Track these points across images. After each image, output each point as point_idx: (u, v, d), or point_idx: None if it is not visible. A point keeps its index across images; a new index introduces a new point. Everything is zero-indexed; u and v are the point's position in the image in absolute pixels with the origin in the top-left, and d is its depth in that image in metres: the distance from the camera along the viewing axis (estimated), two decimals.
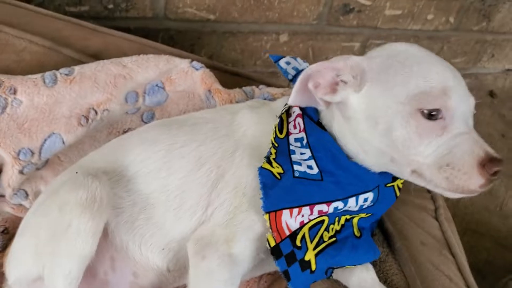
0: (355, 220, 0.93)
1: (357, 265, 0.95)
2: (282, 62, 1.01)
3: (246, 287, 1.05)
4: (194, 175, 0.96)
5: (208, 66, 1.28)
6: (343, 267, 0.93)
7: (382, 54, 0.89)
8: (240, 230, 0.88)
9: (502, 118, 2.34)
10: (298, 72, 0.99)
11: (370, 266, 0.96)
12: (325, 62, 0.88)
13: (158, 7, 1.85)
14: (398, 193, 0.97)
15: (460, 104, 0.83)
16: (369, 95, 0.86)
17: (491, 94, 2.48)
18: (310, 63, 2.19)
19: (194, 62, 1.25)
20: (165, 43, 1.91)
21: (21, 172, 1.09)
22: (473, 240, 1.77)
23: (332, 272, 0.91)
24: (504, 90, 2.50)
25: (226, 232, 0.89)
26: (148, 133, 1.04)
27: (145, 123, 1.22)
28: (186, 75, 1.24)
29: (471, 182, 0.80)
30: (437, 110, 0.81)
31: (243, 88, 1.24)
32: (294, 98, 0.90)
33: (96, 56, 1.27)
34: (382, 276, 0.99)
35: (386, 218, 1.08)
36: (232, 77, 1.34)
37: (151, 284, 1.00)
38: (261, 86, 1.25)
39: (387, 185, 0.94)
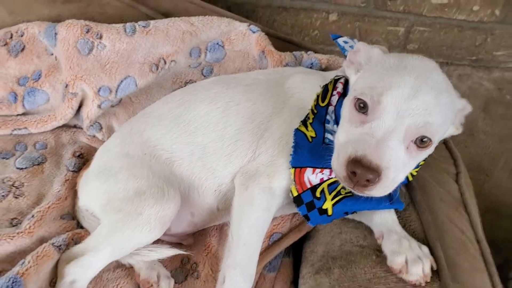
0: None
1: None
2: (340, 41, 1.11)
3: (281, 221, 1.20)
4: (247, 128, 1.11)
5: (263, 31, 1.43)
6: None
7: (392, 56, 0.96)
8: (280, 170, 1.03)
9: None
10: None
11: (392, 210, 1.09)
12: (365, 44, 1.00)
13: None
14: (410, 178, 1.09)
15: (389, 114, 0.86)
16: (356, 79, 0.98)
17: None
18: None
19: (252, 26, 1.41)
20: None
21: (99, 106, 1.29)
22: (494, 219, 1.86)
23: (352, 212, 1.04)
24: None
25: (268, 170, 1.05)
26: (209, 91, 1.18)
27: (205, 76, 1.39)
28: (243, 36, 1.39)
29: (339, 171, 0.88)
30: (365, 104, 0.89)
31: (294, 52, 1.38)
32: (344, 68, 1.03)
33: (166, 14, 1.45)
34: (402, 221, 1.11)
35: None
36: (285, 43, 1.48)
37: (203, 221, 1.18)
38: (309, 52, 1.39)
39: None
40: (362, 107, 0.90)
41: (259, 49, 1.37)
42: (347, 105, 0.94)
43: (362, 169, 0.84)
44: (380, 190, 0.87)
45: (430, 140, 0.89)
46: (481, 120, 2.28)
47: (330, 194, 1.00)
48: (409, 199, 1.17)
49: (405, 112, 0.86)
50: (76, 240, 1.08)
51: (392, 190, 0.90)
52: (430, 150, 0.93)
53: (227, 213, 1.11)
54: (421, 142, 0.89)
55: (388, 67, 0.91)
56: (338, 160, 0.89)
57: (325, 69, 1.35)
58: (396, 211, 1.13)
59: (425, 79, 0.88)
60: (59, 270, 1.00)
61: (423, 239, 1.09)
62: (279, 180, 1.03)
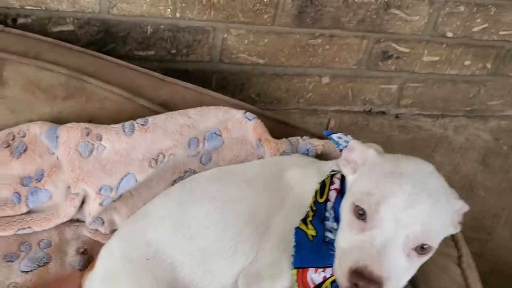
0: None
1: None
2: (334, 137, 1.12)
3: None
4: (247, 229, 1.11)
5: (259, 114, 1.46)
6: None
7: (389, 159, 0.97)
8: (282, 272, 1.03)
9: None
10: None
11: None
12: (360, 144, 1.02)
13: (215, 53, 2.06)
14: None
15: (388, 223, 0.86)
16: (353, 181, 1.00)
17: None
18: (349, 103, 2.36)
19: (248, 113, 1.44)
20: (218, 82, 2.14)
21: (100, 204, 1.30)
22: (499, 281, 1.86)
23: None
24: None
25: (271, 272, 1.05)
26: (207, 189, 1.20)
27: (203, 164, 1.41)
28: (240, 124, 1.42)
29: (342, 281, 0.88)
30: (364, 211, 0.89)
31: (290, 138, 1.41)
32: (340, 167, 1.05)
33: (163, 104, 1.49)
34: None
35: None
36: (281, 125, 1.52)
37: None
38: (304, 137, 1.42)
39: None
40: (361, 214, 0.90)
41: (256, 137, 1.39)
42: (346, 209, 0.95)
43: (364, 281, 0.84)
44: None
45: (430, 246, 0.90)
46: (480, 174, 2.30)
47: None
48: None
49: (403, 221, 0.86)
50: None
51: None
52: (431, 254, 0.93)
53: None
54: (422, 249, 0.89)
55: (385, 173, 0.93)
56: (341, 270, 0.89)
57: (321, 154, 1.37)
58: None
59: (422, 186, 0.89)
60: None
61: None
62: (282, 282, 1.03)
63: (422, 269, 1.20)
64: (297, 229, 1.03)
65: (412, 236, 0.87)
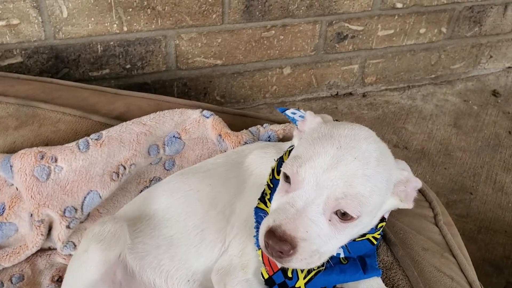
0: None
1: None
2: (288, 112, 1.12)
3: None
4: (210, 214, 1.10)
5: (217, 111, 1.45)
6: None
7: (328, 125, 0.96)
8: (252, 258, 1.01)
9: (507, 115, 2.42)
10: None
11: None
12: (311, 114, 1.00)
13: (170, 61, 2.05)
14: (374, 242, 1.02)
15: (309, 185, 0.85)
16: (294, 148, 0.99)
17: (495, 93, 2.57)
18: (315, 90, 2.35)
19: (205, 111, 1.42)
20: (180, 90, 2.11)
21: (68, 227, 1.27)
22: (488, 237, 1.85)
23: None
24: (506, 88, 2.58)
25: (241, 260, 1.02)
26: (169, 184, 1.19)
27: (167, 170, 1.39)
28: (198, 124, 1.40)
29: (260, 240, 0.87)
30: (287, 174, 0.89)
31: (250, 129, 1.39)
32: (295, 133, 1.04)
33: (120, 117, 1.46)
34: (389, 283, 1.10)
35: (388, 229, 1.20)
36: (241, 118, 1.50)
37: None
38: (265, 125, 1.40)
39: (356, 239, 0.99)
40: (287, 176, 0.89)
41: (216, 133, 1.37)
42: (280, 175, 0.94)
43: (274, 240, 0.82)
44: (299, 262, 0.85)
45: (351, 216, 0.86)
46: (454, 136, 2.30)
47: (302, 272, 0.97)
48: (392, 256, 1.16)
49: (324, 183, 0.84)
50: None
51: (320, 262, 0.87)
52: (359, 223, 0.89)
53: None
54: (343, 215, 0.86)
55: (316, 137, 0.91)
56: (261, 229, 0.87)
57: (283, 139, 1.36)
58: (382, 272, 1.11)
59: (349, 149, 0.86)
60: None
61: None
62: (253, 268, 1.00)
63: (399, 235, 1.20)
64: (257, 208, 1.02)
65: (332, 199, 0.84)
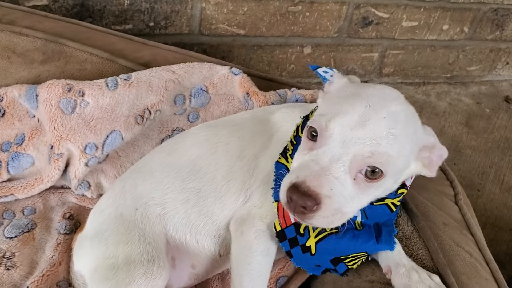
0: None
1: (359, 253, 1.01)
2: (320, 71, 1.08)
3: (285, 264, 1.17)
4: (237, 166, 1.09)
5: (245, 72, 1.43)
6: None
7: (355, 84, 0.95)
8: (271, 210, 1.00)
9: None
10: None
11: (397, 241, 1.07)
12: (339, 75, 1.00)
13: (194, 24, 2.03)
14: (393, 209, 1.01)
15: (335, 142, 0.84)
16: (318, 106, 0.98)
17: (507, 99, 2.58)
18: None
19: (234, 68, 1.41)
20: None
21: (86, 164, 1.25)
22: (493, 234, 1.87)
23: (348, 271, 1.01)
24: None
25: (261, 211, 1.02)
26: (198, 135, 1.17)
27: (191, 122, 1.37)
28: (226, 79, 1.39)
29: (282, 195, 0.86)
30: (314, 130, 0.87)
31: (277, 90, 1.38)
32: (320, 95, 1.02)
33: (146, 65, 1.44)
34: (408, 251, 1.10)
35: (410, 201, 1.20)
36: (267, 82, 1.48)
37: (205, 271, 1.13)
38: (293, 89, 1.39)
39: (375, 204, 0.97)
40: (313, 135, 0.88)
41: (243, 91, 1.36)
42: (303, 132, 0.92)
43: (298, 195, 0.81)
44: (321, 220, 0.83)
45: (381, 171, 0.84)
46: (465, 135, 2.31)
47: (314, 231, 0.97)
48: (412, 226, 1.16)
49: (351, 140, 0.83)
50: None
51: (340, 223, 0.85)
52: (383, 184, 0.88)
53: (230, 258, 1.07)
54: (372, 173, 0.84)
55: (344, 96, 0.90)
56: (283, 185, 0.86)
57: (310, 103, 1.35)
58: (401, 240, 1.11)
59: (377, 109, 0.85)
60: None
61: (432, 267, 1.07)
62: (272, 220, 1.00)
63: (420, 207, 1.20)
64: (277, 163, 1.01)
65: (359, 157, 0.83)
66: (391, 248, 1.03)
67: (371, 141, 0.83)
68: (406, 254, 1.08)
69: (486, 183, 2.06)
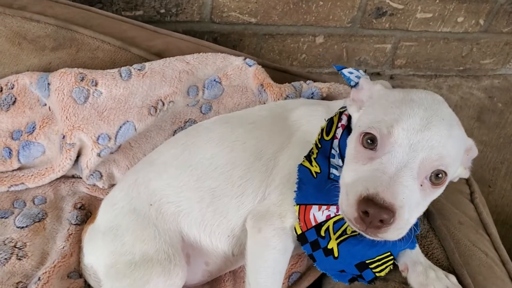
0: None
1: (381, 255, 0.99)
2: (345, 71, 1.04)
3: (298, 260, 1.16)
4: (255, 166, 1.07)
5: (258, 63, 1.41)
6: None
7: (397, 90, 0.93)
8: (291, 209, 0.98)
9: None
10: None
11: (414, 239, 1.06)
12: (368, 81, 0.96)
13: (205, 11, 1.99)
14: None
15: (401, 147, 0.81)
16: (358, 117, 0.95)
17: None
18: (344, 64, 2.30)
19: (248, 59, 1.38)
20: None
21: (98, 154, 1.24)
22: (503, 231, 1.85)
23: (376, 279, 0.99)
24: None
25: (280, 210, 1.00)
26: (213, 132, 1.14)
27: (203, 114, 1.35)
28: (240, 71, 1.36)
29: (349, 212, 0.82)
30: (373, 138, 0.84)
31: (293, 83, 1.35)
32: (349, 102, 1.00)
33: (159, 54, 1.41)
34: (424, 250, 1.08)
35: None
36: (281, 73, 1.46)
37: (218, 269, 1.13)
38: (308, 81, 1.36)
39: None
40: (370, 143, 0.85)
41: (258, 83, 1.34)
42: (352, 142, 0.90)
43: (375, 208, 0.77)
44: (395, 232, 0.81)
45: (445, 174, 0.84)
46: (477, 129, 2.29)
47: (335, 233, 0.95)
48: (428, 225, 1.15)
49: (418, 144, 0.81)
50: None
51: (406, 232, 0.83)
52: (443, 188, 0.87)
53: (243, 257, 1.06)
54: (436, 178, 0.83)
55: (394, 100, 0.88)
56: (348, 201, 0.82)
57: (326, 97, 1.32)
58: (417, 239, 1.10)
59: (435, 111, 0.84)
60: None
61: (448, 267, 1.06)
62: (291, 219, 0.99)
63: (436, 205, 1.18)
64: (301, 166, 0.99)
65: (427, 161, 0.81)
66: (413, 247, 1.02)
67: (437, 143, 0.81)
68: (422, 252, 1.06)
69: (497, 179, 2.04)
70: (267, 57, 2.24)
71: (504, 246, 1.78)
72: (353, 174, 0.86)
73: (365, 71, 2.43)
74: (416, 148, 0.81)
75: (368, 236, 0.84)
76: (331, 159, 0.98)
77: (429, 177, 0.83)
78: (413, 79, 2.49)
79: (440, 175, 0.83)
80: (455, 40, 2.45)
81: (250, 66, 1.37)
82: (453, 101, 2.41)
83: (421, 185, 0.83)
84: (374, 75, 2.44)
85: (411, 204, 0.81)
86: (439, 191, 0.87)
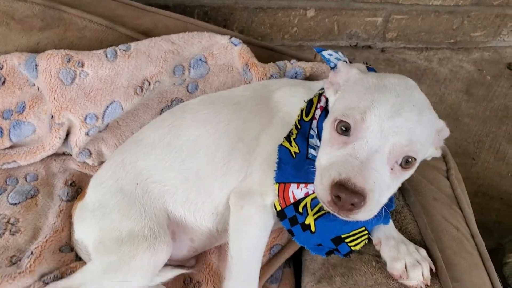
0: None
1: (356, 230, 1.04)
2: (325, 53, 1.07)
3: (279, 233, 1.22)
4: (238, 147, 1.11)
5: (245, 42, 1.42)
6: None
7: (371, 75, 0.96)
8: (272, 187, 1.03)
9: None
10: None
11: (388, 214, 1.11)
12: (345, 65, 0.99)
13: None
14: None
15: (373, 133, 0.85)
16: (334, 101, 0.98)
17: (510, 66, 2.56)
18: (335, 38, 2.31)
19: (233, 38, 1.40)
20: (200, 18, 2.07)
21: (86, 133, 1.28)
22: (484, 202, 1.91)
23: (351, 252, 1.05)
24: None
25: (261, 188, 1.05)
26: (198, 114, 1.17)
27: (190, 93, 1.38)
28: (226, 50, 1.39)
29: (323, 195, 0.86)
30: (347, 125, 0.88)
31: (277, 62, 1.38)
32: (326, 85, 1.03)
33: (146, 33, 1.44)
34: (397, 225, 1.14)
35: None
36: (267, 51, 1.48)
37: (203, 245, 1.18)
38: (292, 61, 1.39)
39: None
40: (344, 129, 0.89)
41: (243, 62, 1.36)
42: (328, 127, 0.94)
43: (347, 193, 0.82)
44: (365, 213, 0.86)
45: (414, 159, 0.88)
46: (464, 103, 2.32)
47: (312, 209, 1.00)
48: (403, 201, 1.20)
49: (389, 130, 0.85)
50: (69, 274, 1.09)
51: (376, 212, 0.88)
52: (413, 171, 0.92)
53: (227, 234, 1.10)
54: (406, 162, 0.88)
55: (368, 87, 0.91)
56: (322, 184, 0.87)
57: (309, 77, 1.35)
58: (392, 214, 1.15)
59: (407, 97, 0.88)
60: None
61: (420, 241, 1.11)
62: (272, 197, 1.04)
63: (412, 182, 1.23)
64: (281, 146, 1.03)
65: (398, 146, 0.85)
66: (386, 222, 1.08)
67: (407, 129, 0.85)
68: (396, 227, 1.12)
69: (481, 152, 2.09)
70: (258, 31, 2.25)
71: (485, 217, 1.86)
72: (328, 158, 0.90)
73: (356, 45, 2.45)
74: (387, 135, 0.84)
75: (341, 217, 0.89)
76: (310, 140, 1.03)
77: (399, 162, 0.87)
78: (404, 52, 2.50)
79: (409, 160, 0.88)
80: (446, 13, 2.45)
81: (235, 45, 1.39)
82: (442, 74, 2.44)
83: (392, 169, 0.87)
84: (365, 48, 2.46)
85: (381, 187, 0.85)
86: (409, 173, 0.92)
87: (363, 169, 0.83)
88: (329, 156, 0.90)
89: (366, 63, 1.14)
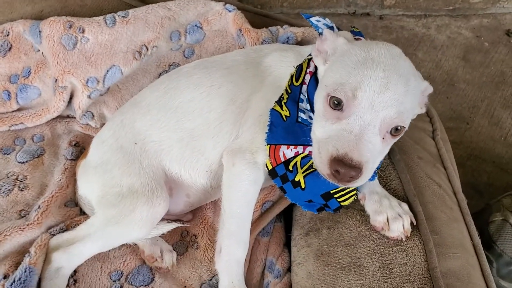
0: None
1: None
2: (313, 20, 1.11)
3: (271, 190, 1.29)
4: (230, 109, 1.17)
5: (239, 8, 1.47)
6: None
7: (358, 46, 0.98)
8: (262, 146, 1.10)
9: None
10: (329, 28, 1.11)
11: None
12: (331, 33, 1.02)
13: None
14: None
15: (365, 109, 0.90)
16: (324, 71, 1.02)
17: (508, 33, 2.57)
18: (333, 5, 2.31)
19: (227, 5, 1.44)
20: None
21: (89, 96, 1.35)
22: (476, 165, 1.97)
23: (340, 208, 1.12)
24: None
25: (252, 146, 1.12)
26: (192, 77, 1.23)
27: (186, 57, 1.44)
28: (220, 16, 1.44)
29: (322, 169, 0.93)
30: (339, 101, 0.92)
31: (269, 28, 1.42)
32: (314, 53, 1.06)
33: (144, 0, 1.48)
34: (382, 181, 1.20)
35: None
36: (261, 18, 1.52)
37: (199, 200, 1.26)
38: (285, 26, 1.43)
39: None
40: (336, 104, 0.93)
41: (236, 28, 1.41)
42: (321, 100, 0.98)
43: (345, 168, 0.88)
44: (362, 181, 0.93)
45: (403, 127, 0.95)
46: (461, 69, 2.34)
47: (302, 167, 1.06)
48: (389, 160, 1.25)
49: (379, 105, 0.90)
50: (74, 226, 1.17)
51: (371, 176, 0.95)
52: (402, 134, 0.98)
53: (221, 190, 1.18)
54: (396, 130, 0.94)
55: (356, 61, 0.94)
56: (321, 159, 0.93)
57: (301, 41, 1.40)
58: (377, 173, 1.21)
59: (393, 68, 0.92)
60: (48, 255, 1.09)
61: (403, 196, 1.17)
62: (262, 155, 1.10)
63: (398, 142, 1.28)
64: (272, 110, 1.09)
65: (388, 119, 0.91)
66: (372, 179, 1.12)
67: (396, 101, 0.90)
68: (380, 184, 1.18)
69: (475, 117, 2.13)
70: None
71: (476, 179, 1.92)
72: (323, 131, 0.96)
73: (354, 12, 2.47)
74: (377, 108, 0.90)
75: (340, 185, 0.97)
76: (300, 104, 1.08)
77: (389, 131, 0.94)
78: (402, 19, 2.52)
79: (399, 128, 0.94)
80: None
81: (229, 11, 1.44)
82: (440, 41, 2.46)
83: (383, 138, 0.94)
84: (364, 16, 2.48)
85: (375, 155, 0.93)
86: (399, 137, 0.98)
87: (358, 142, 0.90)
88: (324, 130, 0.96)
89: (352, 27, 1.18)
